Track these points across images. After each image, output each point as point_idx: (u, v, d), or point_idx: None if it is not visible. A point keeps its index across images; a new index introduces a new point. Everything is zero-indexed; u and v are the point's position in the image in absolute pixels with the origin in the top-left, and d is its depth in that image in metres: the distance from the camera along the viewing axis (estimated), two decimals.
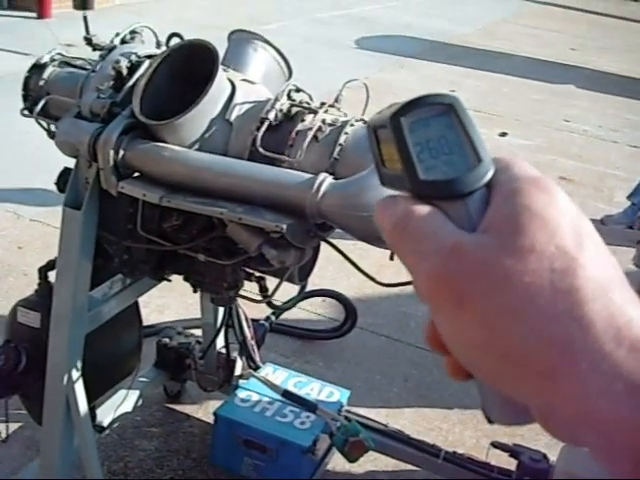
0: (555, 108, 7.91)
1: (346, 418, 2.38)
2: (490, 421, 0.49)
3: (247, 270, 1.95)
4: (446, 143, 0.47)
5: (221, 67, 1.73)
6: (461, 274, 0.43)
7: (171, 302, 3.44)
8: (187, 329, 2.87)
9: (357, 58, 8.94)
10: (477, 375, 0.46)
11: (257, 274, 1.98)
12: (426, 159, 0.46)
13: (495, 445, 2.43)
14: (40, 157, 4.43)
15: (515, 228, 0.43)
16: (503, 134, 6.66)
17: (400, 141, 0.47)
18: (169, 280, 2.07)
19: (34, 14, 8.91)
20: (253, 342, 2.59)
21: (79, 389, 1.99)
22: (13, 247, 3.87)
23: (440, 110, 0.47)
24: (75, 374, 1.97)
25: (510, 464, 2.40)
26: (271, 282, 1.97)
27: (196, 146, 1.70)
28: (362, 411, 2.69)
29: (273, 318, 2.95)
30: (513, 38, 12.01)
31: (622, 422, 0.41)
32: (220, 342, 2.62)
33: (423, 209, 0.46)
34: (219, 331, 2.51)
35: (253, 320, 2.67)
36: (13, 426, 2.57)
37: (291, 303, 2.19)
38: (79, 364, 1.98)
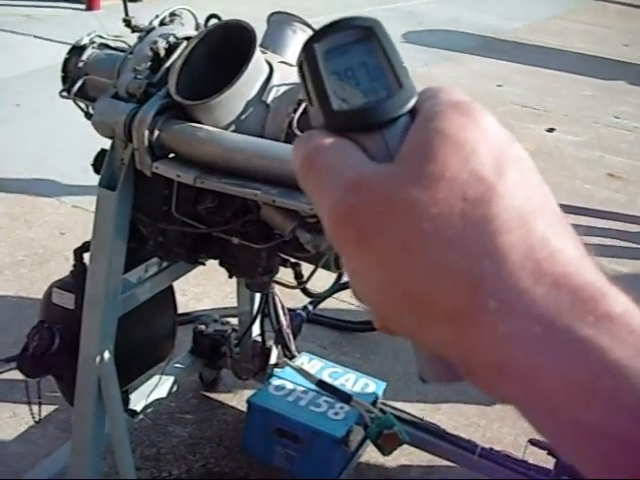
0: (605, 104, 7.74)
1: (381, 410, 2.34)
2: (424, 380, 0.43)
3: (282, 256, 1.92)
4: (366, 71, 0.42)
5: (259, 49, 1.70)
6: (361, 208, 0.39)
7: (209, 290, 3.43)
8: (224, 317, 2.86)
9: (404, 52, 8.77)
10: (388, 324, 0.41)
11: (292, 260, 1.95)
12: (342, 89, 0.42)
13: (533, 442, 2.36)
14: (87, 146, 4.47)
15: (425, 154, 0.38)
16: (551, 130, 6.54)
17: (313, 70, 0.42)
18: (203, 264, 2.05)
19: (83, 6, 8.99)
20: (289, 331, 2.56)
21: (111, 372, 1.98)
22: (55, 233, 3.90)
23: (359, 35, 0.43)
24: (107, 357, 1.96)
25: (548, 462, 2.34)
26: (307, 269, 1.94)
27: (232, 127, 1.68)
28: (398, 404, 2.65)
29: (310, 308, 2.93)
30: (564, 34, 11.81)
31: (540, 370, 0.36)
32: (256, 330, 2.60)
33: (333, 141, 0.41)
34: (255, 319, 2.50)
35: (290, 310, 2.65)
36: (49, 408, 2.58)
37: (328, 292, 2.15)
38: (111, 347, 1.97)
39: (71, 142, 4.81)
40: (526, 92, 7.69)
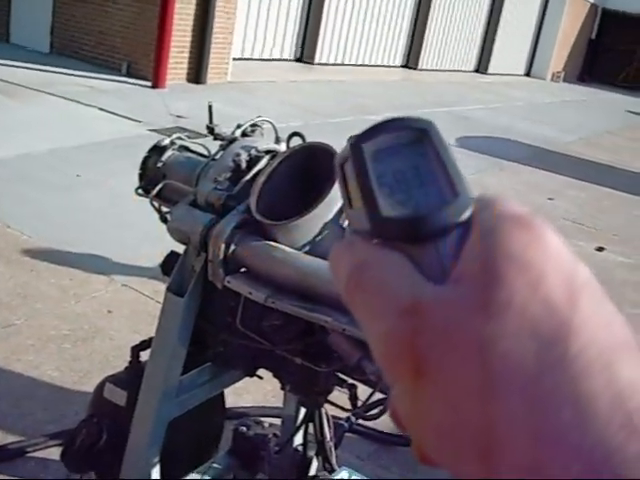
0: None
1: None
2: None
3: (340, 376, 1.91)
4: (417, 175, 0.39)
5: None
6: (420, 338, 0.34)
7: (250, 386, 3.40)
8: (263, 416, 2.82)
9: (457, 157, 8.95)
10: (442, 465, 0.36)
11: (349, 381, 1.94)
12: (391, 193, 0.38)
13: None
14: (142, 225, 4.54)
15: (488, 276, 0.34)
16: (600, 249, 6.51)
17: (360, 171, 0.38)
18: (260, 377, 2.04)
19: (149, 83, 9.29)
20: (332, 444, 2.52)
21: (156, 474, 1.97)
22: (103, 310, 3.92)
23: (411, 137, 0.40)
24: (154, 458, 1.95)
25: None
26: (362, 389, 1.92)
27: (306, 248, 1.69)
28: None
29: (353, 419, 2.88)
30: (617, 150, 11.87)
31: None
32: (298, 439, 2.57)
33: (383, 255, 0.37)
34: (299, 428, 2.46)
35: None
36: None
37: (378, 414, 2.12)
38: (159, 448, 1.96)
39: (127, 218, 4.89)
40: (577, 208, 7.70)
